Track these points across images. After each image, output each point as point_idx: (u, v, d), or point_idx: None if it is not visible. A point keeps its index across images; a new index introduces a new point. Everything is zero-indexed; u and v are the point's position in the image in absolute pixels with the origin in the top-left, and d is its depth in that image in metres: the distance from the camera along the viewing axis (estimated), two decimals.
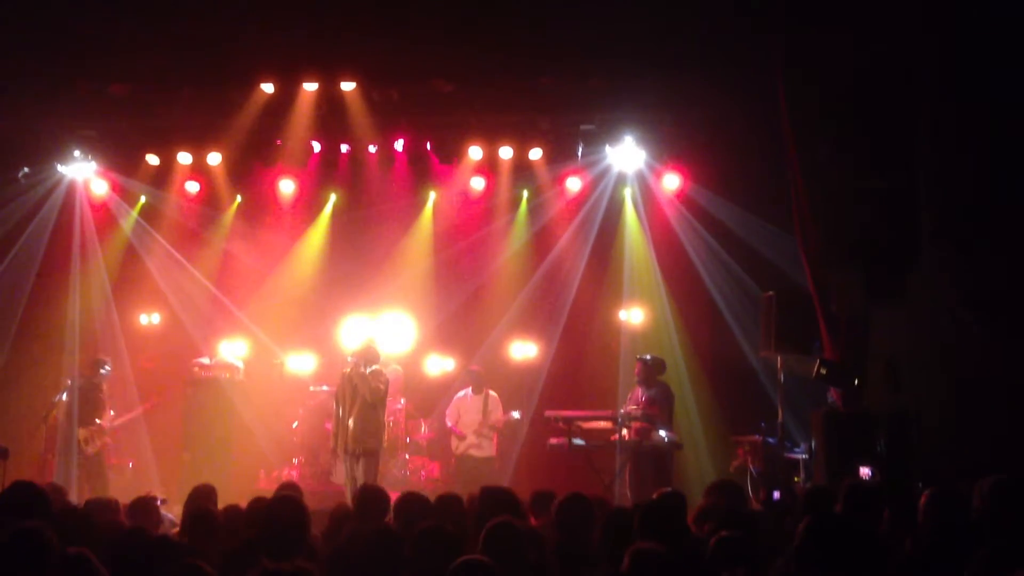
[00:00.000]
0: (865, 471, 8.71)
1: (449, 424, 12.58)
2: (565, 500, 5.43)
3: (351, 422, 10.28)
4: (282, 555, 4.49)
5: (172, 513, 8.04)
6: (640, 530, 4.81)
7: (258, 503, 5.98)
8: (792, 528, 4.43)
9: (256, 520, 5.12)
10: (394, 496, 6.06)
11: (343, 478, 10.72)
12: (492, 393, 12.58)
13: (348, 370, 10.49)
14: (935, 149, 8.71)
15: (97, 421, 11.96)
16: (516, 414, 12.58)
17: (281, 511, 4.98)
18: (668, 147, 12.80)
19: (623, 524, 4.99)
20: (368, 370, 10.36)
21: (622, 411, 11.09)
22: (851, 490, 5.66)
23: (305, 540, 4.91)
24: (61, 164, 13.42)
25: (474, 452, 12.38)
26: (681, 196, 13.09)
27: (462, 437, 12.41)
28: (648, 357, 11.57)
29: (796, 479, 10.03)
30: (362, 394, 10.24)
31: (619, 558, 4.28)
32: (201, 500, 6.56)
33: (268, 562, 3.71)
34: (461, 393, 12.70)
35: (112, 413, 12.22)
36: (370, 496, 6.04)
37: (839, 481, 8.12)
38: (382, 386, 10.37)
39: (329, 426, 12.89)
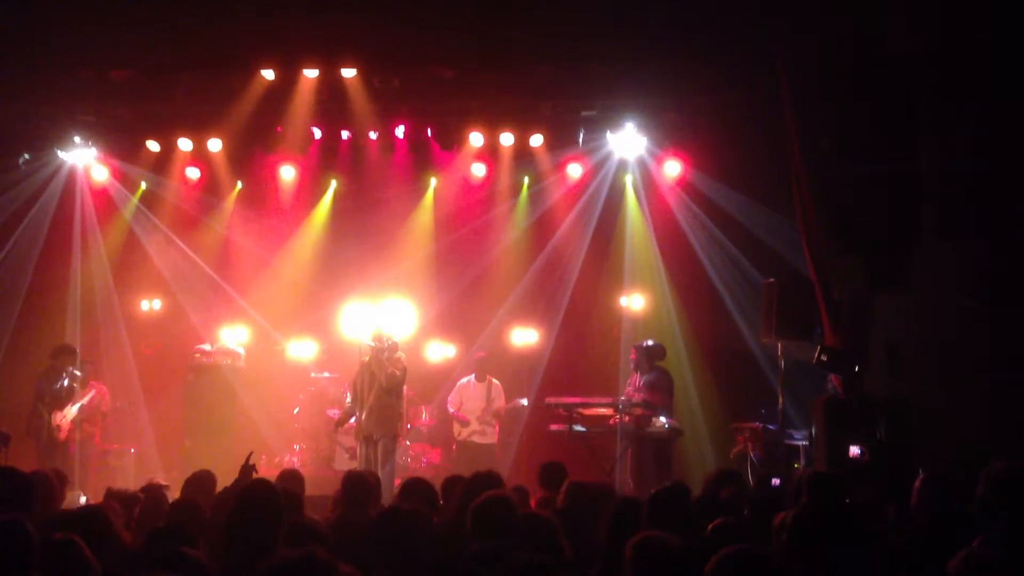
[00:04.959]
0: (855, 450, 8.76)
1: (451, 410, 12.59)
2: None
3: (367, 410, 10.31)
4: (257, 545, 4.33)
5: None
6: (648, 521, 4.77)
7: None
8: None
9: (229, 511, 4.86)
10: (396, 482, 6.07)
11: (344, 464, 10.74)
12: (495, 381, 12.60)
13: (367, 358, 10.51)
14: (937, 136, 8.68)
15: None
16: (524, 401, 12.62)
17: (253, 502, 4.66)
18: (669, 134, 12.77)
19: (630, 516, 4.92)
20: (387, 356, 10.42)
21: (622, 397, 11.11)
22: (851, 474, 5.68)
23: (279, 529, 4.60)
24: (61, 150, 13.40)
25: (477, 439, 12.41)
26: (682, 183, 13.07)
27: (465, 423, 12.43)
28: (643, 344, 11.57)
29: (796, 465, 10.04)
30: (379, 381, 10.29)
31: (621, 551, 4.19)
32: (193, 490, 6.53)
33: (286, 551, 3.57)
34: (464, 380, 12.72)
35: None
36: (356, 482, 6.03)
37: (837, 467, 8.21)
38: (398, 373, 10.42)
39: (331, 413, 12.97)
